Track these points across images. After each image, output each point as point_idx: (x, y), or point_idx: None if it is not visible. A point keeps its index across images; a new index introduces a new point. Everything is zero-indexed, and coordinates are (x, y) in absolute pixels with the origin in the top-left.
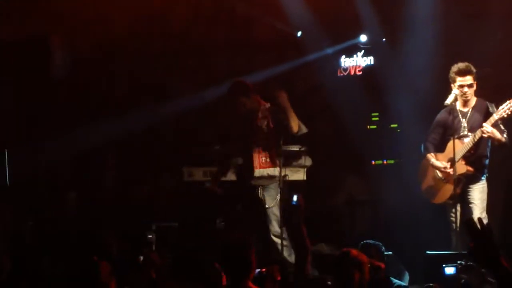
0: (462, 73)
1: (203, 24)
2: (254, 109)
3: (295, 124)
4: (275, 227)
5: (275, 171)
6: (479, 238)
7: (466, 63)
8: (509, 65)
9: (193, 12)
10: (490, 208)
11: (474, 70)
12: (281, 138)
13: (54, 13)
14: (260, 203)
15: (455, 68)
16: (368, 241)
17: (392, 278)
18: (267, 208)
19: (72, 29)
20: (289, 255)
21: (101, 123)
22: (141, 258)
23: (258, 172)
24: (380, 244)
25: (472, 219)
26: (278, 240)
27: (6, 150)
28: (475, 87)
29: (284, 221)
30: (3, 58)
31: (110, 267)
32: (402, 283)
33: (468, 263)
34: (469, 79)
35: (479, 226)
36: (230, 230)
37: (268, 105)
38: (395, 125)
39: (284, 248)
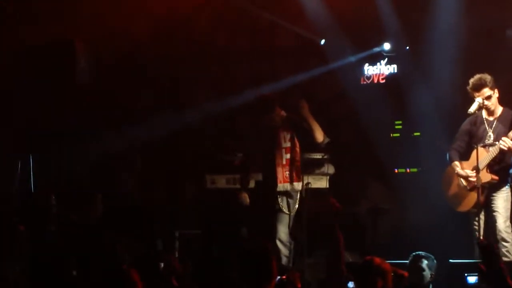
0: (477, 88)
1: (226, 31)
2: (277, 123)
3: (320, 134)
4: (282, 233)
5: (298, 185)
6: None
7: (479, 76)
8: None
9: (216, 19)
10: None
11: (489, 80)
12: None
13: (80, 18)
14: (281, 210)
15: (470, 84)
16: (419, 252)
17: None
18: (287, 214)
19: (96, 35)
20: (286, 263)
21: (125, 129)
22: (162, 265)
23: (281, 186)
24: (432, 256)
25: (483, 242)
26: (282, 247)
27: (31, 155)
28: (496, 95)
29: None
30: (28, 61)
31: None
32: None
33: None
34: (486, 92)
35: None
36: (252, 237)
37: (284, 113)
38: (418, 133)
39: (284, 257)
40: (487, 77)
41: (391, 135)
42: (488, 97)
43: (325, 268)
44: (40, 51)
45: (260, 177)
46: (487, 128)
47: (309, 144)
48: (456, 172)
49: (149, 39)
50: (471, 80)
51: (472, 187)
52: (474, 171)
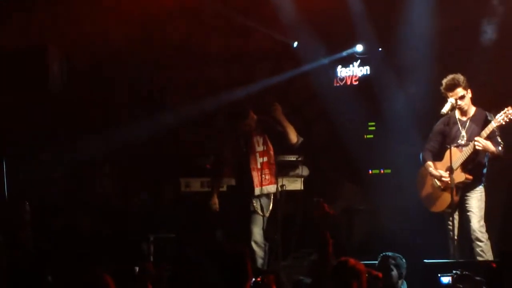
0: (450, 88)
1: (201, 35)
2: (251, 128)
3: (294, 135)
4: (257, 235)
5: (273, 187)
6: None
7: (453, 76)
8: (506, 74)
9: (191, 23)
10: (488, 216)
11: (462, 80)
12: (278, 149)
13: (53, 24)
14: (256, 213)
15: (443, 84)
16: (387, 252)
17: None
18: (263, 216)
19: (70, 41)
20: (261, 265)
21: (99, 134)
22: (137, 269)
23: (258, 190)
24: (400, 256)
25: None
26: (257, 249)
27: (4, 160)
28: (469, 95)
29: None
30: (1, 66)
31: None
32: None
33: (464, 273)
34: (459, 91)
35: None
36: (227, 240)
37: (256, 117)
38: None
39: (259, 258)
40: (460, 77)
41: (365, 136)
42: (462, 97)
43: (310, 271)
44: (12, 56)
45: (233, 181)
46: (460, 128)
47: (283, 146)
48: (429, 172)
49: (124, 43)
50: (444, 80)
51: (446, 187)
52: (448, 171)
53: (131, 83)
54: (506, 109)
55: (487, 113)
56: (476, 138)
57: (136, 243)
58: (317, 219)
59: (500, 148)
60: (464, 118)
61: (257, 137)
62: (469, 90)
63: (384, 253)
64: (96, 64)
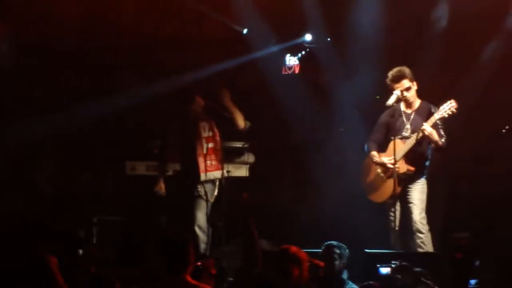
0: (396, 79)
1: (152, 19)
2: (197, 113)
3: (241, 121)
4: (201, 220)
5: (219, 173)
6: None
7: (399, 68)
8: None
9: (144, 6)
10: (431, 208)
11: (408, 72)
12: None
13: (2, 2)
14: (201, 198)
15: (389, 76)
16: (331, 242)
17: (348, 281)
18: (208, 201)
19: (20, 20)
20: (204, 250)
21: (46, 115)
22: (80, 252)
23: (203, 176)
24: (344, 246)
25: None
26: (200, 234)
27: None
28: (414, 88)
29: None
30: None
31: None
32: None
33: (402, 263)
34: (405, 83)
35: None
36: (171, 225)
37: (203, 103)
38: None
39: (202, 243)
40: (406, 70)
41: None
42: (407, 89)
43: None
44: None
45: (178, 166)
46: (405, 120)
47: (231, 131)
48: (374, 161)
49: (76, 24)
50: (391, 72)
51: (389, 176)
52: (391, 161)
53: (80, 63)
54: (449, 102)
55: (432, 106)
56: (423, 124)
57: (78, 226)
58: (240, 209)
59: (443, 140)
60: (409, 111)
61: (203, 123)
62: (414, 83)
63: (328, 242)
64: (46, 43)
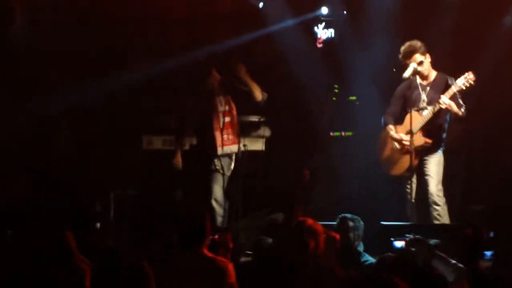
0: (408, 55)
1: None
2: (214, 87)
3: (259, 93)
4: (217, 193)
5: (235, 147)
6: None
7: (409, 43)
8: (468, 38)
9: None
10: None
11: (419, 46)
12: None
13: None
14: (217, 171)
15: (401, 52)
16: (345, 214)
17: (364, 253)
18: (224, 175)
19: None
20: (221, 224)
21: (61, 90)
22: (98, 225)
23: (220, 150)
24: (358, 218)
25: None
26: (217, 207)
27: None
28: (428, 60)
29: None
30: None
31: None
32: (372, 260)
33: (417, 237)
34: (417, 57)
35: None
36: (187, 198)
37: (219, 77)
38: (354, 98)
39: (219, 217)
40: (417, 43)
41: (328, 98)
42: (420, 63)
43: (269, 231)
44: None
45: (195, 140)
46: (421, 92)
47: (248, 104)
48: (390, 135)
49: (88, 3)
50: (402, 48)
51: (406, 150)
52: (408, 134)
53: (94, 39)
54: (466, 73)
55: (448, 77)
56: (441, 96)
57: (95, 200)
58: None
59: (463, 109)
60: (424, 83)
61: (220, 97)
62: (427, 55)
63: (342, 215)
64: (59, 20)
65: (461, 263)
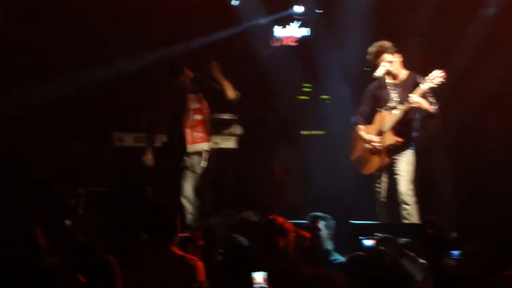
0: (377, 55)
1: None
2: (186, 85)
3: (231, 91)
4: (187, 191)
5: (207, 145)
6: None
7: (378, 44)
8: (440, 34)
9: None
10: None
11: (388, 46)
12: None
13: None
14: (188, 169)
15: (370, 53)
16: (316, 213)
17: (334, 252)
18: (194, 173)
19: None
20: (191, 221)
21: (32, 84)
22: (68, 222)
23: (191, 147)
24: (329, 216)
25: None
26: (187, 204)
27: None
28: (397, 60)
29: None
30: None
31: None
32: (342, 259)
33: (386, 235)
34: (387, 57)
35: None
36: (157, 195)
37: (192, 74)
38: (326, 96)
39: (189, 214)
40: (386, 43)
41: (299, 97)
42: (390, 62)
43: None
44: None
45: (166, 137)
46: (392, 92)
47: (220, 103)
48: (360, 135)
49: None
50: (371, 49)
51: (376, 150)
52: (378, 134)
53: (70, 32)
54: (436, 72)
55: (417, 76)
56: (410, 95)
57: (65, 196)
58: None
59: (434, 106)
60: (395, 82)
61: (191, 95)
62: (397, 55)
63: (313, 213)
64: (37, 12)
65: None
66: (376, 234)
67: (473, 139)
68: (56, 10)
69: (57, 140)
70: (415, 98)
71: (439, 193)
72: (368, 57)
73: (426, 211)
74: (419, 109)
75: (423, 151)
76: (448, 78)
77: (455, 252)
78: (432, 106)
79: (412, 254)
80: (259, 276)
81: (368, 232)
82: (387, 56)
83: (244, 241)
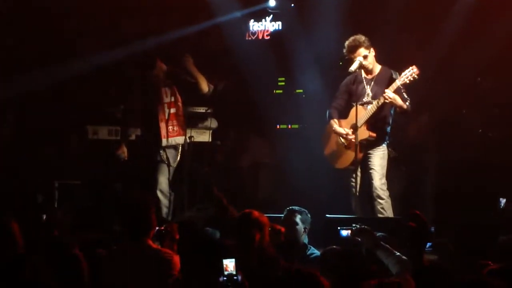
0: (352, 49)
1: None
2: (159, 78)
3: (205, 85)
4: (162, 184)
5: (181, 139)
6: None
7: (353, 38)
8: (415, 30)
9: None
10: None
11: (363, 40)
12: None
13: None
14: (163, 162)
15: (345, 47)
16: (293, 207)
17: (310, 246)
18: (170, 167)
19: None
20: (166, 215)
21: (6, 78)
22: (44, 216)
23: (165, 141)
24: (305, 210)
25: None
26: (162, 198)
27: None
28: (372, 54)
29: None
30: None
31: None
32: (318, 253)
33: (363, 226)
34: (362, 52)
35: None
36: (132, 189)
37: (165, 68)
38: (301, 91)
39: (164, 208)
40: (361, 37)
41: (274, 91)
42: (365, 57)
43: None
44: None
45: (140, 131)
46: (366, 86)
47: (194, 96)
48: (333, 129)
49: None
50: (346, 43)
51: (350, 144)
52: (352, 129)
53: (42, 27)
54: (410, 68)
55: (392, 72)
56: (386, 90)
57: (38, 190)
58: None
59: (407, 103)
60: (369, 77)
61: (165, 88)
62: (372, 49)
63: (290, 207)
64: (8, 8)
65: (405, 256)
66: (353, 224)
67: (452, 135)
68: (30, 6)
69: (30, 134)
70: (390, 94)
71: (421, 187)
72: (344, 50)
73: (405, 205)
74: (392, 105)
75: (414, 146)
76: (426, 72)
77: (428, 244)
78: (406, 103)
79: (388, 246)
80: (230, 263)
81: (342, 225)
82: (362, 51)
83: (215, 234)
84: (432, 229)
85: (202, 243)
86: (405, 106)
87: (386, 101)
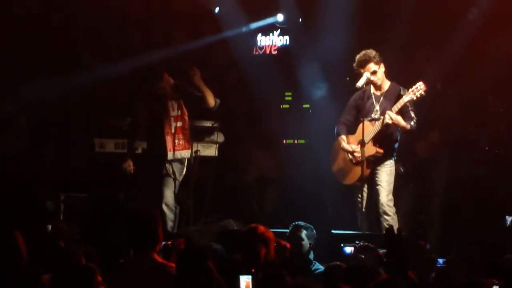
0: (362, 64)
1: None
2: (166, 92)
3: (211, 99)
4: (168, 198)
5: (187, 153)
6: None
7: (364, 52)
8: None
9: None
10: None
11: (374, 55)
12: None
13: None
14: (169, 176)
15: (355, 61)
16: (299, 222)
17: (315, 262)
18: (175, 180)
19: None
20: (172, 228)
21: (12, 89)
22: (49, 227)
23: (171, 155)
24: (311, 226)
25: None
26: (167, 212)
27: None
28: (381, 70)
29: None
30: None
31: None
32: (322, 268)
33: (366, 244)
34: (371, 67)
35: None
36: (139, 203)
37: (172, 81)
38: (307, 105)
39: (169, 222)
40: (372, 52)
41: (281, 106)
42: (374, 72)
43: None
44: None
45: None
46: (374, 102)
47: (200, 110)
48: (341, 146)
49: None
50: (356, 57)
51: (357, 161)
52: (359, 145)
53: (47, 39)
54: (418, 84)
55: (401, 88)
56: (387, 112)
57: (46, 201)
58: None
59: (412, 123)
60: (378, 93)
61: (172, 102)
62: (381, 65)
63: (295, 223)
64: (14, 19)
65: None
66: (357, 241)
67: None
68: (36, 18)
69: (39, 145)
70: (392, 116)
71: (429, 204)
72: (354, 64)
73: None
74: (395, 126)
75: (422, 163)
76: (436, 89)
77: (440, 260)
78: (410, 123)
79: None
80: (247, 280)
81: (347, 241)
82: (371, 66)
83: (221, 249)
84: (428, 246)
85: (196, 259)
86: (408, 127)
87: (388, 122)
